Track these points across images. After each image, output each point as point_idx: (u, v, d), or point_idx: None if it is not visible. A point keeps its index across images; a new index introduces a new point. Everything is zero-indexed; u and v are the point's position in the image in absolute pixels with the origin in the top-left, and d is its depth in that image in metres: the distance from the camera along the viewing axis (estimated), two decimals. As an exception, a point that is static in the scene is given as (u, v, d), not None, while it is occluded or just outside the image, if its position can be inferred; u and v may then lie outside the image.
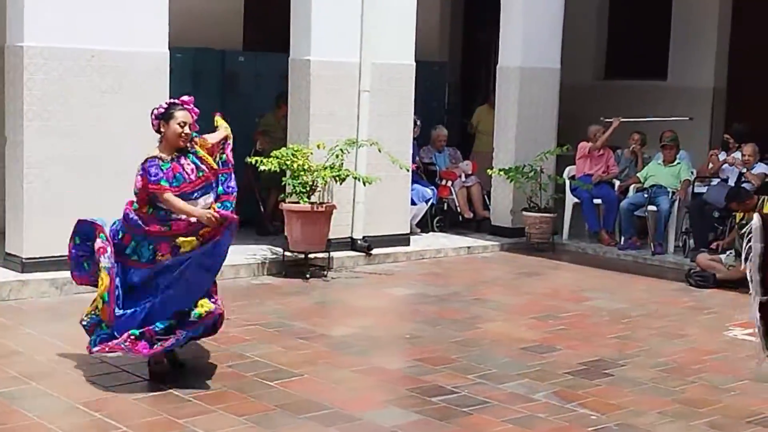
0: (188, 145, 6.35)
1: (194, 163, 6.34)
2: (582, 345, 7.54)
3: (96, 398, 5.90)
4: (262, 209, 11.45)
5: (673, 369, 6.97)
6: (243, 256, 10.00)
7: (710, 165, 11.94)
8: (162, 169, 6.16)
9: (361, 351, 7.22)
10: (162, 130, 6.30)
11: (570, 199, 12.27)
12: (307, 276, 9.67)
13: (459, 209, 12.53)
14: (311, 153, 9.89)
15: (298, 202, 9.73)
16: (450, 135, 13.26)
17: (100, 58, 8.78)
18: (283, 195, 10.01)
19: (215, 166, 6.49)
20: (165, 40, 9.17)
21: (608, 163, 12.30)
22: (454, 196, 12.52)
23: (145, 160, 6.19)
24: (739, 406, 6.17)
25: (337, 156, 9.88)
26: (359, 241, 10.58)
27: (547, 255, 11.47)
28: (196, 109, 6.50)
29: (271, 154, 9.83)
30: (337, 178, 9.86)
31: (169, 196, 6.11)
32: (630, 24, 15.42)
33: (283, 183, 9.97)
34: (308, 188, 9.76)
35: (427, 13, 12.74)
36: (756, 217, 3.88)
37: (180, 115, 6.28)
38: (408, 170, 10.75)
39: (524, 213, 11.82)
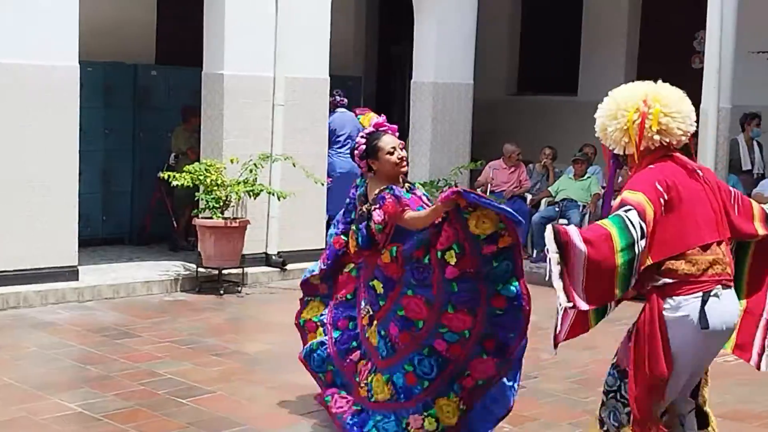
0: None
1: (426, 197, 5.38)
2: (495, 358, 7.59)
3: (3, 418, 5.76)
4: (175, 225, 11.33)
5: (585, 380, 7.07)
6: (156, 273, 9.89)
7: (620, 179, 12.13)
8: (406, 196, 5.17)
9: (275, 367, 7.18)
10: (373, 168, 5.25)
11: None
12: (221, 292, 9.60)
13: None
14: (225, 168, 9.82)
15: (211, 218, 9.66)
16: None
17: (7, 71, 8.62)
18: (196, 210, 9.92)
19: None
20: (75, 53, 9.04)
21: (521, 178, 12.45)
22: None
23: (379, 191, 5.14)
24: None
25: (251, 171, 9.83)
26: (274, 257, 10.53)
27: (461, 268, 11.52)
28: (394, 126, 5.53)
29: (184, 169, 9.74)
30: (251, 193, 9.81)
31: (411, 213, 5.08)
32: (541, 40, 15.65)
33: (196, 198, 9.89)
34: (222, 203, 9.69)
35: (341, 27, 12.78)
36: (549, 227, 3.95)
37: (386, 140, 5.27)
38: (323, 184, 10.74)
39: (439, 227, 11.86)
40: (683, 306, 3.97)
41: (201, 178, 9.62)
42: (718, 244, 4.08)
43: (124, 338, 7.80)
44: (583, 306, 3.91)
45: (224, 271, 9.78)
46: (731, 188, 4.32)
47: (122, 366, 6.96)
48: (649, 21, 14.65)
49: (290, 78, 10.55)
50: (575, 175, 12.01)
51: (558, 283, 3.84)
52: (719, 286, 4.02)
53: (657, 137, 4.08)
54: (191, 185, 9.66)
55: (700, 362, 4.16)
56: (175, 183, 9.65)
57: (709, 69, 10.16)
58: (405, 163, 5.20)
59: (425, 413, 4.97)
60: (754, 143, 11.96)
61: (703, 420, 4.38)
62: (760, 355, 4.32)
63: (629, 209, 3.92)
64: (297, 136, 10.62)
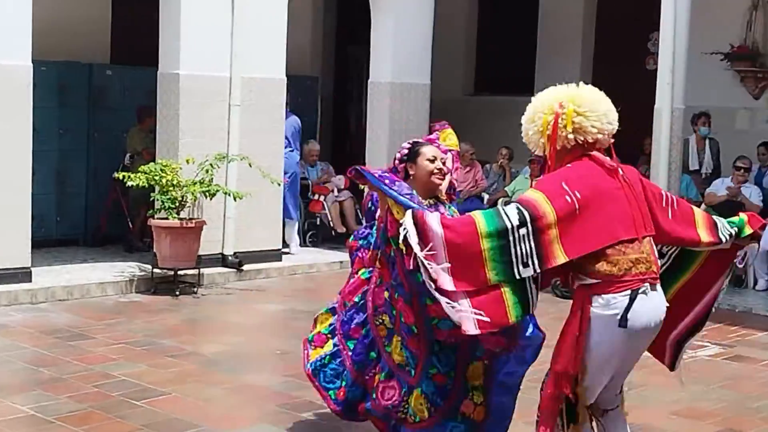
0: (443, 194, 5.20)
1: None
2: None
3: (-47, 423, 5.70)
4: (131, 226, 11.25)
5: (540, 379, 7.08)
6: (110, 274, 9.82)
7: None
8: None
9: (231, 368, 7.15)
10: (410, 173, 5.10)
11: (440, 213, 12.37)
12: (177, 293, 9.53)
13: (332, 224, 12.53)
14: (180, 168, 9.76)
15: (167, 218, 9.59)
16: (323, 149, 13.25)
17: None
18: (151, 211, 9.85)
19: None
20: (28, 52, 8.94)
21: (477, 178, 12.49)
22: (327, 210, 12.52)
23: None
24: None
25: (207, 171, 9.78)
26: (230, 257, 10.48)
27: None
28: (453, 150, 5.42)
29: (139, 169, 9.67)
30: (207, 194, 9.75)
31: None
32: (498, 41, 15.71)
33: (151, 199, 9.82)
34: (177, 204, 9.63)
35: (298, 27, 12.75)
36: (408, 214, 4.00)
37: (431, 149, 5.13)
38: (279, 184, 10.71)
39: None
40: (612, 304, 4.02)
41: (156, 178, 9.55)
42: (641, 242, 4.10)
43: (77, 340, 7.72)
44: (449, 286, 3.94)
45: (180, 272, 9.71)
46: (664, 192, 4.37)
47: (76, 368, 6.89)
48: (604, 22, 14.76)
49: (246, 78, 10.51)
50: (532, 175, 12.05)
51: (421, 258, 3.94)
52: (647, 285, 4.07)
53: (571, 136, 4.15)
54: (146, 186, 9.59)
55: (626, 359, 4.21)
56: (130, 183, 9.59)
57: (663, 70, 10.25)
58: (442, 176, 5.04)
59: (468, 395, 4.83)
60: (706, 143, 12.08)
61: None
62: (671, 355, 4.53)
63: (510, 203, 4.08)
64: (253, 136, 10.57)
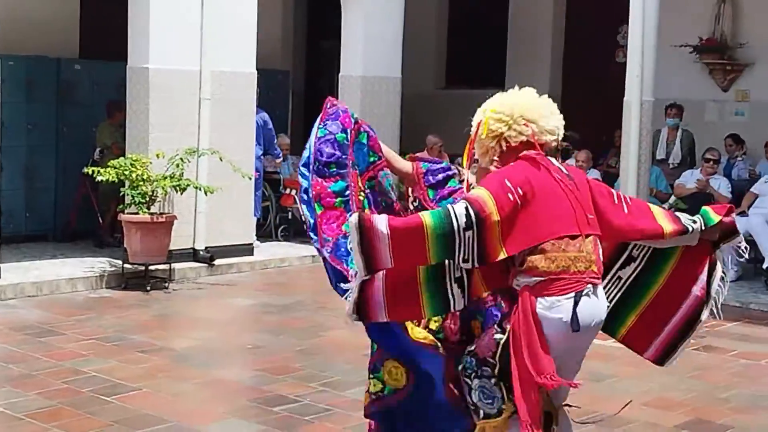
0: None
1: None
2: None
3: None
4: (101, 221, 11.18)
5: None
6: (80, 269, 9.77)
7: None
8: None
9: (202, 363, 7.12)
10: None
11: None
12: (148, 288, 9.49)
13: (303, 218, 12.47)
14: (150, 162, 9.71)
15: (137, 213, 9.54)
16: (294, 143, 13.21)
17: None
18: (121, 206, 9.79)
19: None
20: (-6, 47, 8.88)
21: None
22: (299, 204, 12.47)
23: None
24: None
25: (177, 165, 9.73)
26: (201, 252, 10.44)
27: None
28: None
29: (109, 163, 9.62)
30: (178, 188, 9.71)
31: None
32: (469, 34, 15.73)
33: (121, 194, 9.77)
34: (148, 199, 9.58)
35: (269, 21, 12.72)
36: (354, 215, 3.97)
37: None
38: (250, 178, 10.68)
39: (368, 221, 11.87)
40: (556, 307, 4.02)
41: (126, 173, 9.50)
42: (583, 241, 4.07)
43: (47, 336, 7.67)
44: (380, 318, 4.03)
45: (151, 267, 9.67)
46: (615, 191, 4.35)
47: (45, 364, 6.85)
48: (574, 16, 14.81)
49: (217, 72, 10.47)
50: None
51: (356, 255, 3.91)
52: (590, 286, 4.06)
53: (492, 143, 4.21)
54: (116, 180, 9.54)
55: (572, 359, 4.21)
56: (99, 178, 9.53)
57: (632, 62, 10.28)
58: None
59: None
60: (678, 134, 12.15)
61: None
62: (660, 351, 4.46)
63: (459, 201, 4.05)
64: (224, 130, 10.53)
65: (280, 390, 6.47)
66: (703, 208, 4.47)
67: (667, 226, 4.29)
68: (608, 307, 4.26)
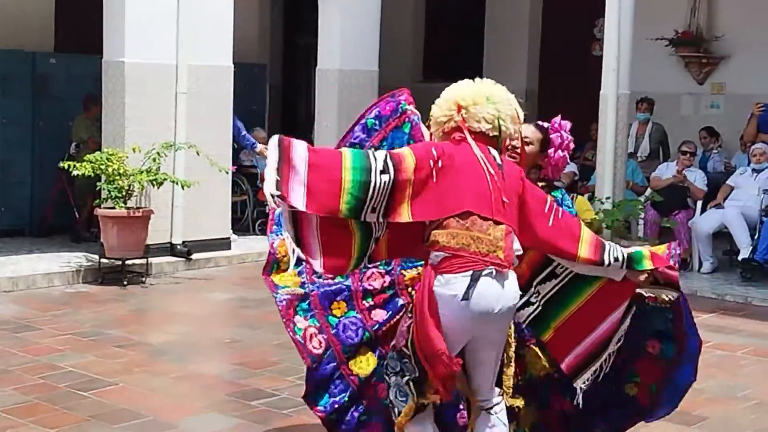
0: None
1: None
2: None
3: None
4: (77, 215, 11.13)
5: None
6: (57, 264, 9.72)
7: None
8: None
9: (179, 357, 7.11)
10: None
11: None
12: (125, 283, 9.46)
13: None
14: (127, 157, 9.67)
15: (113, 208, 9.51)
16: (270, 136, 13.16)
17: None
18: (98, 200, 9.75)
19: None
20: (-32, 41, 8.82)
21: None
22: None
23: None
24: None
25: (153, 159, 9.69)
26: (179, 246, 10.41)
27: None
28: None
29: (85, 158, 9.58)
30: (155, 182, 9.68)
31: None
32: (446, 27, 15.74)
33: (98, 188, 9.72)
34: (124, 193, 9.55)
35: (245, 14, 12.68)
36: (274, 137, 4.07)
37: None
38: (227, 173, 10.65)
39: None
40: (451, 284, 4.03)
41: (102, 167, 9.46)
42: (492, 225, 4.08)
43: (23, 331, 7.63)
44: (299, 204, 3.94)
45: (128, 262, 9.63)
46: (551, 200, 4.28)
47: (21, 360, 6.82)
48: (551, 9, 14.85)
49: (193, 66, 10.42)
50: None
51: (271, 174, 3.93)
52: (492, 269, 4.04)
53: (434, 128, 4.33)
54: (92, 175, 9.49)
55: (483, 348, 4.22)
56: (75, 173, 9.49)
57: (608, 56, 10.33)
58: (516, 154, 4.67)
59: None
60: (648, 128, 12.19)
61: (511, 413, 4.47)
62: (573, 365, 4.45)
63: (380, 150, 4.23)
64: (201, 124, 10.49)
65: (258, 384, 6.47)
66: (641, 250, 4.36)
67: (583, 253, 4.21)
68: (535, 309, 4.30)
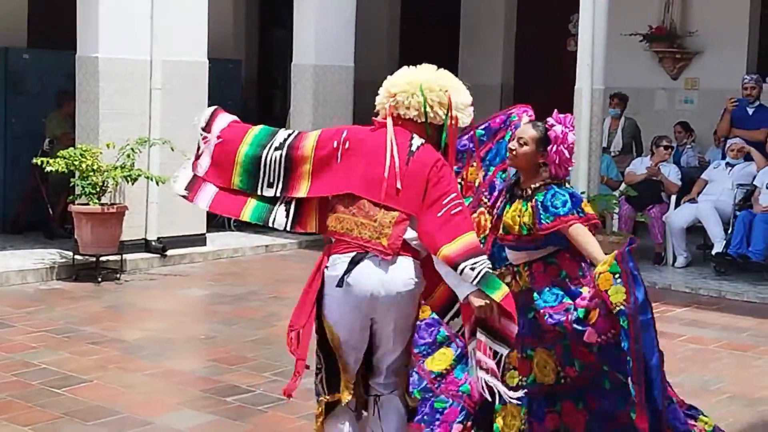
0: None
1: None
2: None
3: None
4: (51, 212, 11.06)
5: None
6: (30, 261, 9.66)
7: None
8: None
9: (154, 354, 7.09)
10: None
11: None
12: (99, 280, 9.41)
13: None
14: (101, 153, 9.62)
15: (87, 204, 9.46)
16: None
17: None
18: (72, 197, 9.70)
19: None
20: (-60, 36, 8.74)
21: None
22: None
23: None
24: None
25: (128, 155, 9.65)
26: (153, 243, 10.37)
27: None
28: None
29: (59, 154, 9.52)
30: (129, 178, 9.63)
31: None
32: (422, 22, 15.74)
33: (72, 184, 9.67)
34: (98, 189, 9.50)
35: (220, 9, 12.63)
36: (209, 108, 4.56)
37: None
38: (203, 169, 10.59)
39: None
40: (335, 265, 4.17)
41: (76, 163, 9.41)
42: (379, 210, 4.14)
43: (-3, 329, 7.60)
44: (199, 170, 4.47)
45: (102, 258, 9.58)
46: (454, 197, 4.15)
47: (-7, 357, 6.78)
48: (526, 4, 14.87)
49: (168, 61, 10.37)
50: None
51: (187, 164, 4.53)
52: (375, 254, 4.11)
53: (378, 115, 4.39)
54: (66, 171, 9.44)
55: (376, 328, 4.25)
56: (49, 169, 9.43)
57: (583, 51, 10.34)
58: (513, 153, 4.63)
59: None
60: (620, 123, 12.22)
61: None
62: None
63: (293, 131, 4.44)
64: (175, 120, 10.44)
65: (233, 380, 6.46)
66: (500, 283, 4.14)
67: (446, 250, 4.07)
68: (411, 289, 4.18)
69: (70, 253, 9.69)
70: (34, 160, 9.67)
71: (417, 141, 4.23)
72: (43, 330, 7.59)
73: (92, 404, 5.89)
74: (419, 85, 4.27)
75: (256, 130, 4.39)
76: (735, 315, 8.81)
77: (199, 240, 10.91)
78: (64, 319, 8.00)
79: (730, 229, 10.26)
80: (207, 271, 10.31)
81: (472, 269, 4.03)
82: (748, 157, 10.77)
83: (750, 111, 11.14)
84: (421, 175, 4.15)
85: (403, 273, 4.16)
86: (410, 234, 4.17)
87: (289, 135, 4.34)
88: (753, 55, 12.95)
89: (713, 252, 10.41)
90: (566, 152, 4.56)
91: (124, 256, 9.83)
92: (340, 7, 12.23)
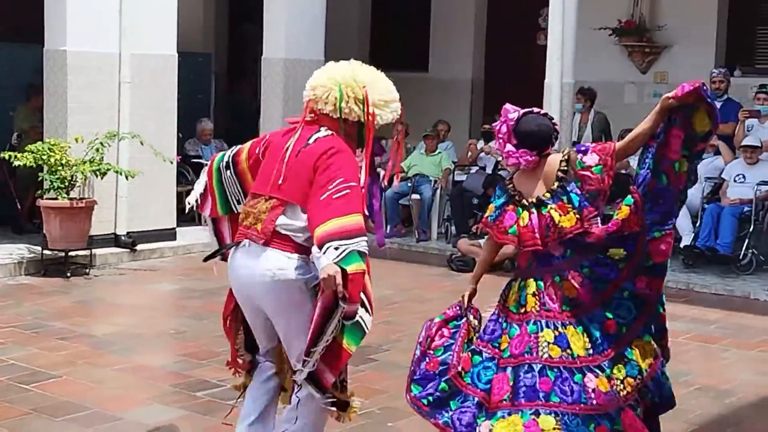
0: None
1: None
2: (348, 332, 7.63)
3: None
4: (19, 206, 10.98)
5: (435, 352, 7.15)
6: (-2, 256, 9.60)
7: (469, 153, 12.39)
8: None
9: (123, 349, 7.06)
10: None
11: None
12: (68, 275, 9.36)
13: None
14: (69, 147, 9.56)
15: (56, 198, 9.40)
16: (217, 127, 13.10)
17: None
18: (40, 191, 9.63)
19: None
20: None
21: (373, 154, 12.50)
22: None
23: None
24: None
25: (97, 150, 9.60)
26: (123, 237, 10.32)
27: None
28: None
29: (26, 148, 9.45)
30: (98, 173, 9.58)
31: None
32: (392, 17, 15.73)
33: (40, 179, 9.60)
34: (67, 183, 9.44)
35: (190, 2, 12.56)
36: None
37: None
38: (172, 162, 10.57)
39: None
40: (232, 251, 4.48)
41: (44, 157, 9.35)
42: (262, 200, 4.34)
43: (-36, 325, 7.54)
44: (206, 211, 4.78)
45: (71, 253, 9.53)
46: (341, 181, 4.14)
47: (-39, 354, 6.73)
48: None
49: (136, 55, 10.32)
50: (427, 151, 12.16)
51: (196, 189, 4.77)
52: (246, 241, 4.35)
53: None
54: (34, 165, 9.38)
55: (255, 317, 4.54)
56: (17, 163, 9.37)
57: (553, 45, 10.38)
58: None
59: None
60: (590, 117, 12.26)
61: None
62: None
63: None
64: (144, 114, 10.40)
65: (203, 375, 6.45)
66: (359, 259, 4.04)
67: (318, 231, 4.07)
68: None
69: (39, 248, 9.63)
70: (2, 155, 9.60)
71: (319, 134, 4.33)
72: (12, 325, 7.54)
73: (61, 400, 5.86)
74: (340, 81, 4.36)
75: (217, 158, 4.69)
76: (703, 307, 8.88)
77: (169, 234, 10.86)
78: (33, 314, 7.95)
79: (698, 222, 10.33)
80: (177, 265, 10.28)
81: (336, 249, 4.00)
82: (716, 151, 10.84)
83: (718, 105, 11.17)
84: (308, 164, 4.25)
85: (267, 263, 4.27)
86: (283, 220, 4.26)
87: (231, 152, 4.62)
88: (721, 49, 13.04)
89: (681, 245, 10.46)
90: (496, 145, 4.99)
91: (94, 250, 9.78)
92: (311, 0, 12.19)
